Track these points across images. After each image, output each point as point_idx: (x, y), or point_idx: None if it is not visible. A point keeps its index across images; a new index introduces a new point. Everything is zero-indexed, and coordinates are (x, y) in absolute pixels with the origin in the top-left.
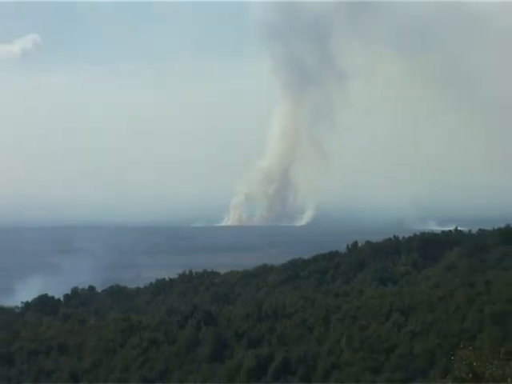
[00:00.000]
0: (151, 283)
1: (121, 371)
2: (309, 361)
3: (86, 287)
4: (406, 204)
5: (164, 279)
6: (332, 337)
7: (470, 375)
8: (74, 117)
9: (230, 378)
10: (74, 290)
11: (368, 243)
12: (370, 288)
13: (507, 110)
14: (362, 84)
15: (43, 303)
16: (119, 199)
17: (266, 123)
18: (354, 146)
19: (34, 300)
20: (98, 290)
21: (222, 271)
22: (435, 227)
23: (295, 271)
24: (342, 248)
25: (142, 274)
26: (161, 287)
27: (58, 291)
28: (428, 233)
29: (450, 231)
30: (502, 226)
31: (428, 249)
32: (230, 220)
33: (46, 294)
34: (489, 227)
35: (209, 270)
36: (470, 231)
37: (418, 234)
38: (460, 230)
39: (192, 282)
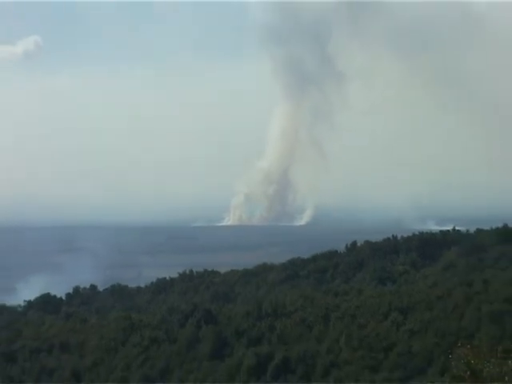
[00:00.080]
0: (152, 282)
1: (122, 369)
2: (308, 359)
3: (88, 286)
4: (404, 204)
5: (165, 278)
6: (331, 335)
7: (468, 373)
8: (75, 117)
9: (230, 377)
10: (76, 289)
11: (367, 243)
12: (368, 287)
13: (506, 110)
14: (362, 85)
15: (45, 302)
16: (120, 199)
17: (266, 124)
18: (354, 146)
19: (37, 299)
20: (100, 289)
21: (222, 270)
22: (433, 227)
23: (295, 270)
24: (341, 247)
25: (143, 274)
26: (161, 286)
27: (59, 290)
28: (426, 232)
29: (448, 231)
30: (500, 225)
31: (426, 248)
32: (230, 220)
33: (48, 293)
34: (487, 227)
35: (209, 269)
36: (467, 231)
37: (417, 233)
38: (458, 230)
39: (192, 281)
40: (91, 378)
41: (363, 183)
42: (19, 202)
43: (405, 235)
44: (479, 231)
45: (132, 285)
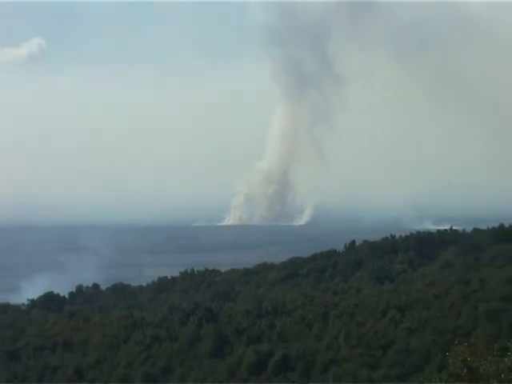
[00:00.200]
0: (154, 281)
1: (124, 367)
2: (308, 357)
3: (90, 285)
4: (403, 204)
5: (166, 277)
6: (330, 333)
7: (465, 371)
8: (76, 117)
9: (230, 374)
10: (79, 288)
11: (365, 242)
12: (367, 286)
13: (505, 110)
14: (361, 85)
15: (49, 301)
16: (120, 199)
17: (266, 124)
18: (353, 146)
19: (40, 298)
20: (102, 287)
21: (223, 269)
22: (431, 226)
23: (294, 269)
24: (340, 247)
25: (145, 273)
26: (163, 285)
27: (63, 289)
28: (424, 232)
29: (446, 230)
30: (497, 225)
31: (424, 248)
32: (230, 219)
33: (51, 292)
34: (483, 226)
35: (210, 269)
36: (464, 230)
37: (415, 233)
38: (455, 230)
39: (193, 280)
40: (94, 375)
41: (362, 183)
42: (21, 202)
43: (403, 235)
44: (476, 231)
45: (134, 284)
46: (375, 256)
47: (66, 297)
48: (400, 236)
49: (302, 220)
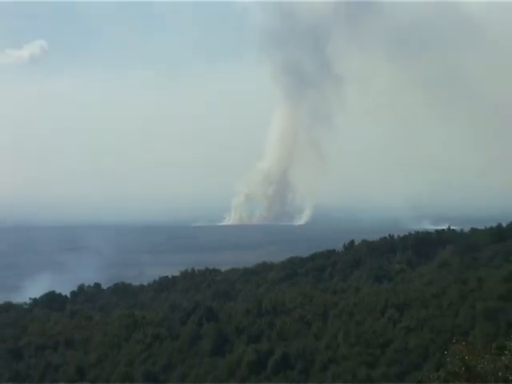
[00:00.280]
0: (154, 281)
1: (125, 365)
2: (307, 355)
3: (92, 284)
4: (401, 204)
5: (167, 277)
6: (329, 332)
7: (463, 369)
8: (78, 118)
9: (230, 372)
10: (81, 287)
11: (364, 242)
12: (366, 285)
13: (503, 111)
14: (360, 87)
15: (51, 300)
16: (122, 199)
17: (266, 125)
18: (352, 147)
19: (42, 297)
20: (104, 287)
21: (223, 269)
22: (429, 226)
23: (294, 269)
24: (339, 246)
25: (146, 272)
26: (164, 284)
27: (64, 288)
28: (422, 232)
29: (443, 230)
30: (494, 225)
31: (422, 247)
32: (230, 219)
33: (53, 291)
34: (481, 226)
35: (210, 268)
36: (462, 230)
37: (413, 233)
38: (453, 229)
39: (194, 279)
40: (95, 373)
41: (361, 184)
42: (23, 202)
43: (401, 234)
44: (474, 230)
45: (135, 283)
46: (374, 255)
47: (68, 296)
48: (398, 236)
49: (302, 220)
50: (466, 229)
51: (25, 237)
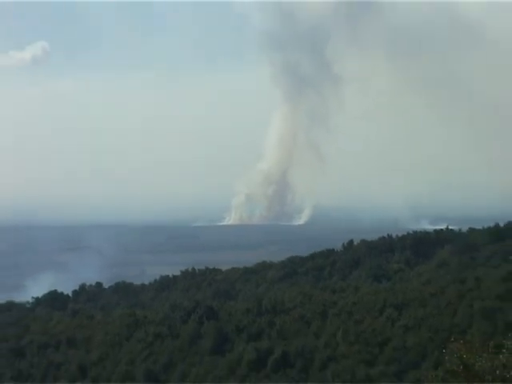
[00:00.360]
0: (155, 280)
1: (127, 364)
2: (306, 354)
3: (94, 284)
4: (399, 204)
5: (168, 276)
6: (329, 331)
7: (461, 367)
8: (79, 119)
9: (231, 371)
10: (82, 287)
11: (363, 241)
12: (364, 284)
13: (500, 112)
14: (358, 88)
15: (53, 299)
16: (123, 199)
17: (266, 126)
18: (350, 148)
19: (44, 296)
20: (105, 286)
21: (224, 268)
22: (427, 226)
23: (293, 268)
24: (338, 246)
25: (147, 271)
26: (165, 284)
27: (66, 287)
28: (420, 232)
29: (442, 230)
30: (492, 225)
31: (420, 247)
32: (231, 219)
33: (55, 290)
34: (479, 226)
35: (211, 267)
36: (460, 230)
37: (411, 232)
38: (451, 229)
39: (195, 278)
40: (97, 372)
41: (360, 184)
42: (25, 202)
43: (400, 234)
44: (472, 230)
45: (136, 282)
46: (372, 255)
47: (70, 295)
48: (397, 235)
49: (301, 220)
50: (465, 229)
51: (26, 237)
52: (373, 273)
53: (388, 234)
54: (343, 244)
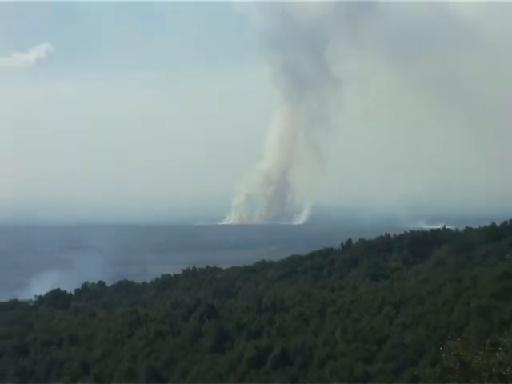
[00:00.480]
0: (157, 278)
1: (129, 361)
2: (306, 351)
3: (96, 282)
4: (397, 204)
5: (169, 275)
6: (327, 328)
7: (458, 365)
8: (81, 120)
9: (231, 368)
10: (85, 285)
11: (361, 241)
12: (363, 283)
13: (501, 113)
14: (358, 88)
15: (56, 297)
16: (125, 199)
17: (266, 126)
18: (350, 148)
19: (47, 294)
20: (107, 284)
21: (224, 267)
22: (424, 226)
23: (293, 267)
24: (337, 245)
25: (148, 270)
26: (166, 282)
27: (69, 286)
28: (418, 231)
29: (439, 229)
30: (488, 224)
31: (418, 246)
32: (231, 219)
33: (58, 289)
34: (475, 226)
35: (211, 266)
36: (457, 229)
37: (409, 232)
38: (448, 229)
39: (195, 277)
40: (99, 369)
41: (359, 184)
42: (28, 202)
43: (397, 234)
44: (468, 230)
45: (138, 281)
46: (371, 254)
47: (73, 293)
48: (395, 235)
49: (301, 219)
50: (461, 228)
51: (28, 236)
52: (371, 271)
53: (386, 234)
54: (342, 243)
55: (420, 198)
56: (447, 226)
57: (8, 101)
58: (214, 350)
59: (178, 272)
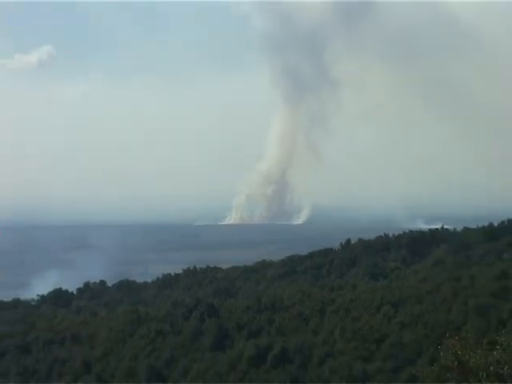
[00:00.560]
0: (158, 278)
1: (130, 359)
2: (305, 350)
3: (98, 281)
4: (396, 204)
5: (170, 274)
6: (327, 328)
7: (456, 363)
8: (85, 121)
9: (231, 366)
10: (86, 284)
11: (360, 240)
12: (362, 282)
13: (501, 113)
14: (356, 90)
15: (57, 296)
16: (127, 199)
17: (266, 128)
18: (350, 149)
19: (49, 293)
20: (109, 284)
21: (224, 266)
22: (423, 226)
23: (292, 266)
24: (336, 245)
25: (150, 270)
26: (167, 282)
27: (71, 285)
28: (416, 231)
29: (437, 229)
30: (486, 224)
31: (416, 246)
32: (231, 219)
33: (60, 288)
34: (473, 225)
35: (212, 266)
36: (455, 229)
37: (407, 232)
38: (446, 229)
39: (196, 276)
40: (101, 367)
41: (358, 184)
42: (32, 202)
43: (396, 233)
44: (466, 230)
45: (139, 280)
46: (369, 254)
47: (74, 293)
48: (393, 235)
49: (300, 219)
50: (459, 228)
51: (30, 236)
52: (370, 271)
53: (384, 234)
54: (341, 243)
55: (419, 198)
56: (445, 226)
57: (10, 102)
58: (215, 348)
59: (179, 271)
